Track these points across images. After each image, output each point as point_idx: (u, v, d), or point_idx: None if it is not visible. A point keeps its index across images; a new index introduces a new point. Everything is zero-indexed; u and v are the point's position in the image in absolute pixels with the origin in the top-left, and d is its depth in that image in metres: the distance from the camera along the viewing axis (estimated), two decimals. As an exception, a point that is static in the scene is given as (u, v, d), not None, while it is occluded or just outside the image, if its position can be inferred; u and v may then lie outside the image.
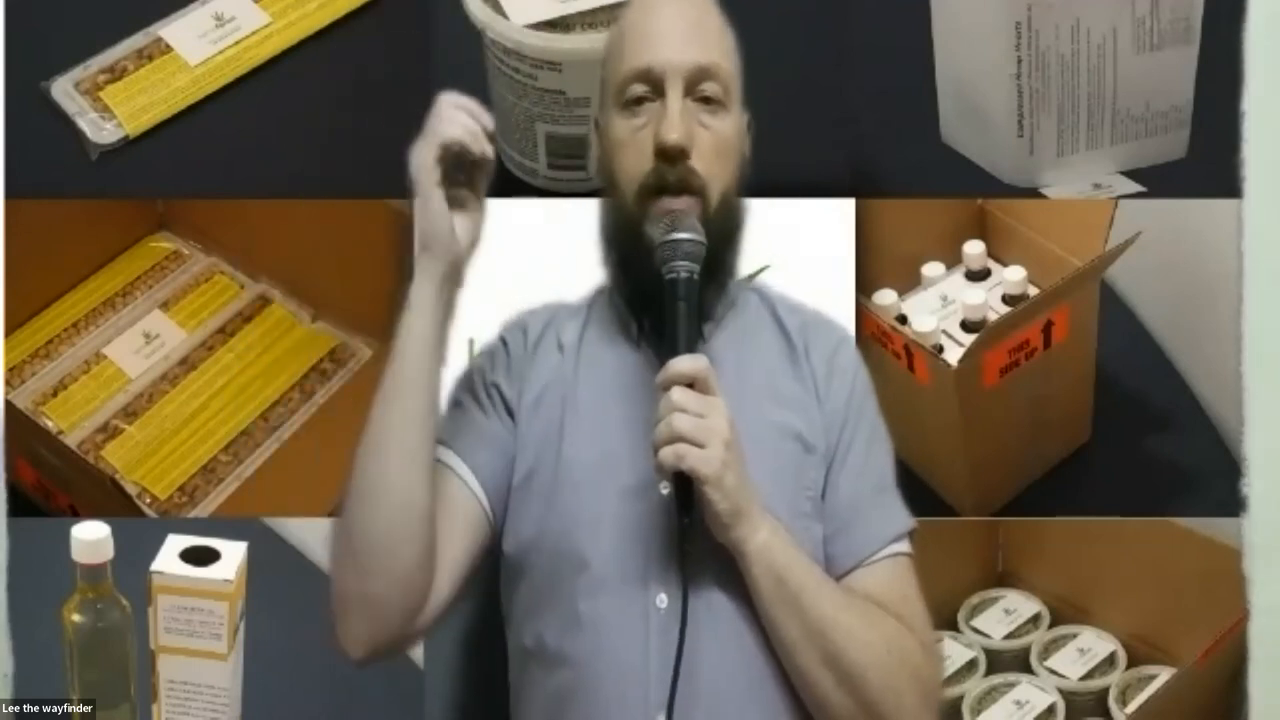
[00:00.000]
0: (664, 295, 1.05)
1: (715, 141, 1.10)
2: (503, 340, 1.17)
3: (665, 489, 1.06)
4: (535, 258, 1.34)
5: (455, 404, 1.15)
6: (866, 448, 1.12)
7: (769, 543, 1.04)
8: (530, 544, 1.10)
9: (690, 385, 1.01)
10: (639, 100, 1.10)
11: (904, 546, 1.11)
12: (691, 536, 1.03)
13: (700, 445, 1.00)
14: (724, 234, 1.11)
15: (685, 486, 1.02)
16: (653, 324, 1.12)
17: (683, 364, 1.02)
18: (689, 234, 1.05)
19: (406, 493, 1.04)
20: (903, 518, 1.12)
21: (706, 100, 1.10)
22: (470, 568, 1.10)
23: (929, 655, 1.09)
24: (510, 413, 1.13)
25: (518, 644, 1.11)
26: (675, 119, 1.08)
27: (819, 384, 1.13)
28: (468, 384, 1.16)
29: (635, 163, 1.10)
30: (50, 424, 1.51)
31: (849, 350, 1.16)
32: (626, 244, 1.11)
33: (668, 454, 1.00)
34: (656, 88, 1.09)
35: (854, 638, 1.04)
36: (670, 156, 1.08)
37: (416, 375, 1.04)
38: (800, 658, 1.04)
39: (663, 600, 1.05)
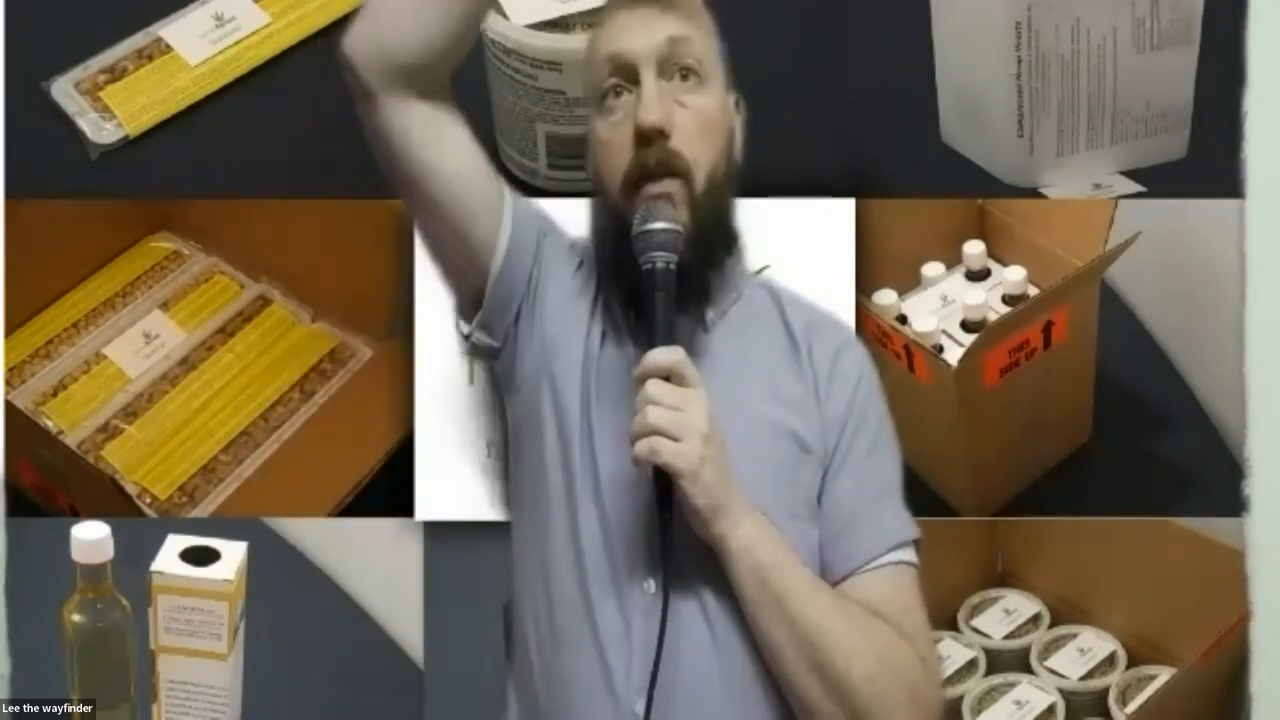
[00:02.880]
0: (641, 286, 1.04)
1: (697, 119, 1.08)
2: (578, 256, 1.16)
3: None
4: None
5: (535, 212, 1.15)
6: (868, 453, 1.10)
7: (752, 540, 1.02)
8: (553, 495, 1.08)
9: (668, 378, 1.00)
10: (615, 93, 1.09)
11: (906, 555, 1.09)
12: (670, 532, 1.02)
13: (675, 439, 0.99)
14: (715, 214, 1.09)
15: (664, 481, 1.01)
16: (638, 318, 1.10)
17: (659, 356, 1.00)
18: (663, 223, 1.04)
19: None
20: (903, 526, 1.10)
21: (684, 76, 1.08)
22: (447, 204, 1.09)
23: (927, 669, 1.06)
24: (542, 295, 1.12)
25: (521, 576, 1.11)
26: (650, 100, 1.06)
27: (820, 386, 1.11)
28: (550, 228, 1.16)
29: (618, 158, 1.08)
30: (50, 424, 1.51)
31: (854, 353, 1.14)
32: (616, 243, 1.09)
33: (642, 448, 0.99)
34: (629, 75, 1.08)
35: (842, 645, 1.02)
36: (648, 138, 1.06)
37: None
38: (786, 663, 1.02)
39: (650, 586, 1.04)
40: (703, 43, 1.10)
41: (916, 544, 1.10)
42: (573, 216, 1.19)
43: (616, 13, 1.12)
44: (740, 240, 1.14)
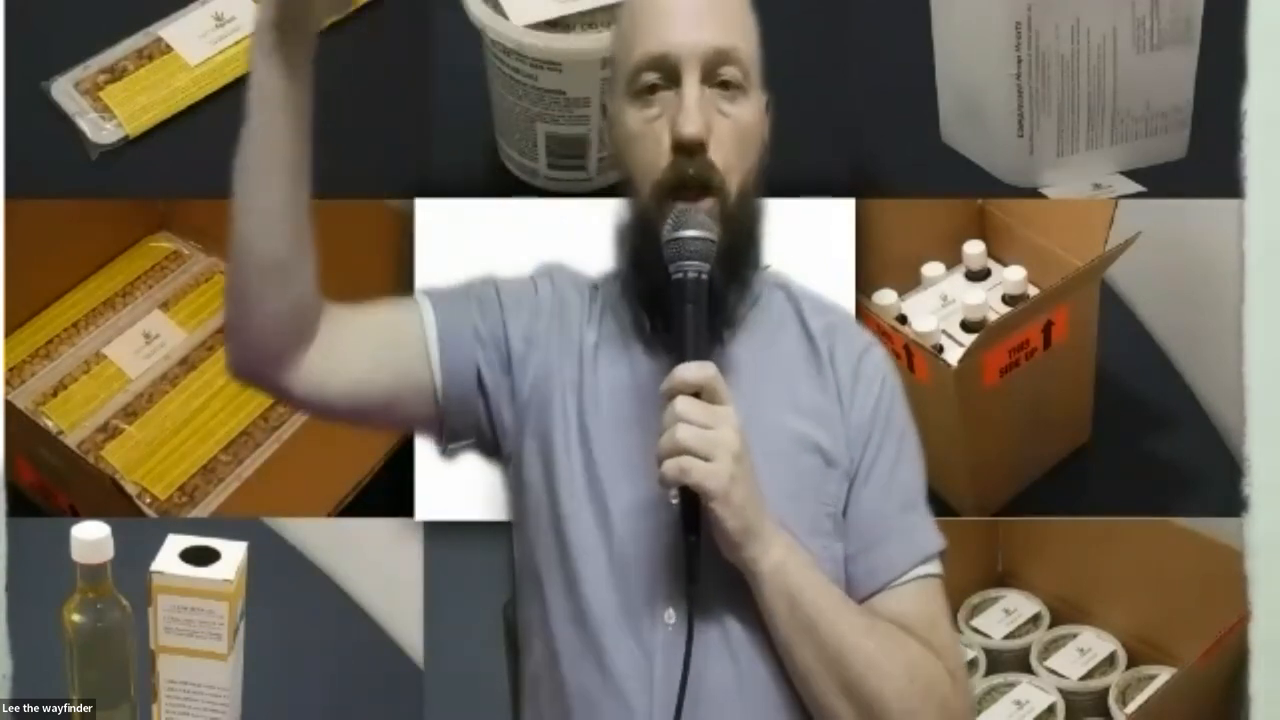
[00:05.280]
0: (671, 296, 0.99)
1: (735, 130, 1.03)
2: (534, 283, 1.11)
3: (676, 500, 0.99)
4: (535, 258, 1.34)
5: (463, 287, 1.10)
6: (893, 463, 1.07)
7: (783, 563, 0.98)
8: (543, 553, 1.05)
9: (698, 394, 0.95)
10: (652, 89, 1.03)
11: (933, 568, 1.05)
12: (698, 556, 0.97)
13: (706, 458, 0.94)
14: (744, 228, 1.04)
15: (692, 503, 0.96)
16: (665, 324, 1.04)
17: (688, 371, 0.95)
18: (697, 231, 0.99)
19: (265, 249, 1.05)
20: (931, 538, 1.06)
21: (725, 85, 1.03)
22: (381, 396, 1.07)
23: (957, 684, 1.03)
24: (506, 349, 1.08)
25: (528, 646, 1.08)
26: (693, 110, 1.01)
27: (843, 393, 1.07)
28: (484, 284, 1.10)
29: (651, 157, 1.03)
30: (50, 424, 1.51)
31: (876, 357, 1.09)
32: (641, 243, 1.04)
33: (671, 467, 0.94)
34: (671, 75, 1.02)
35: (874, 665, 0.99)
36: (689, 150, 1.01)
37: (261, 129, 1.03)
38: (816, 686, 0.99)
39: (670, 616, 1.00)
40: (746, 52, 1.05)
41: (941, 555, 1.07)
42: (573, 216, 1.19)
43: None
44: (763, 249, 1.10)
